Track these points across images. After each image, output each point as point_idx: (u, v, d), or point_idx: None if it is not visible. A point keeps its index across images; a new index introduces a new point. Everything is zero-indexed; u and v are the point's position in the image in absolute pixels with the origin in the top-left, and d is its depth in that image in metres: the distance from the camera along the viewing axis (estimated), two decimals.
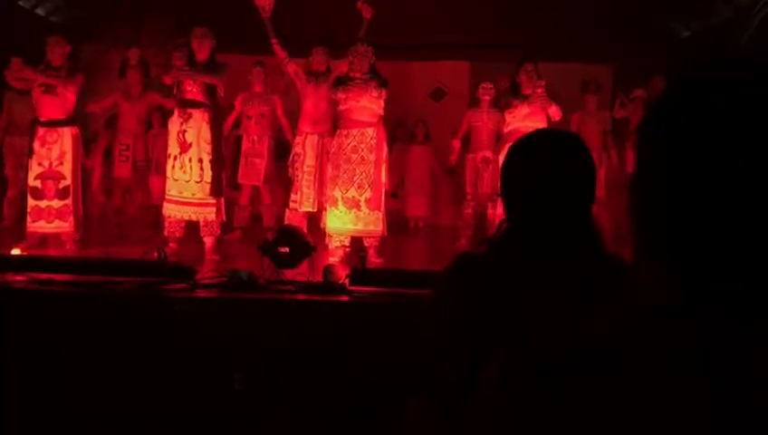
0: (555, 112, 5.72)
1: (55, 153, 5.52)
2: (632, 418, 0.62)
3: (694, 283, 0.70)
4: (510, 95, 5.99)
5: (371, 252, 5.37)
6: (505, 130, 5.98)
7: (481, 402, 0.71)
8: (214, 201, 5.33)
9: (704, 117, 0.74)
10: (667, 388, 0.62)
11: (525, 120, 5.71)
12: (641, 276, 0.80)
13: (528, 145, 1.64)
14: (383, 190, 5.53)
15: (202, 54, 5.32)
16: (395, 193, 8.23)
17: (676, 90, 0.80)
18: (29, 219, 5.52)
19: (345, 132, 5.45)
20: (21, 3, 8.71)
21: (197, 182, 5.30)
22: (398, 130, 8.38)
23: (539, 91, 5.68)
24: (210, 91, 5.32)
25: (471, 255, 1.59)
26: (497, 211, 5.91)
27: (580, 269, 1.46)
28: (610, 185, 6.47)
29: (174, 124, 5.37)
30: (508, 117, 5.88)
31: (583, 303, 1.41)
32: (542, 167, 1.58)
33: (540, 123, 5.74)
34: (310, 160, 5.94)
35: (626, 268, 1.57)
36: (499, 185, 1.68)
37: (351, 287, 3.78)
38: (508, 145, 5.51)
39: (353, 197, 5.40)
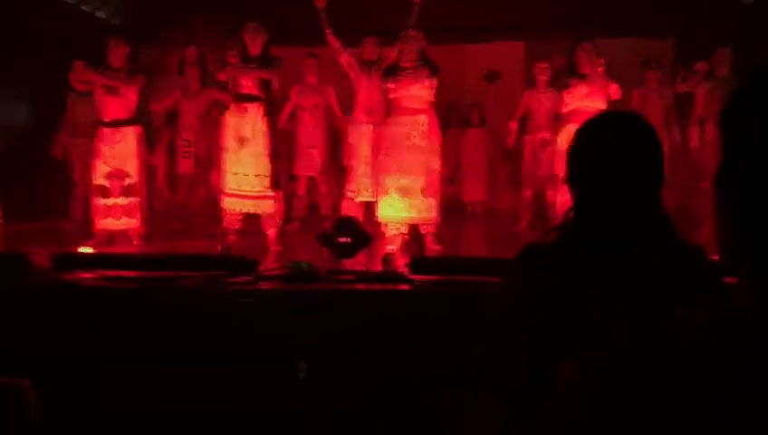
0: (615, 91, 5.58)
1: (120, 152, 5.68)
2: (724, 427, 0.59)
3: None
4: (567, 75, 5.85)
5: (429, 239, 5.35)
6: (564, 110, 5.85)
7: (554, 402, 0.69)
8: (272, 193, 5.38)
9: None
10: (761, 396, 0.59)
11: (584, 99, 5.58)
12: (737, 277, 0.75)
13: (593, 129, 1.60)
14: (437, 177, 5.48)
15: (255, 49, 5.37)
16: (451, 178, 8.18)
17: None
18: (96, 217, 5.70)
19: (396, 120, 5.43)
20: (83, 7, 8.96)
21: (256, 175, 5.37)
22: (452, 114, 8.32)
23: (599, 70, 5.54)
24: (265, 84, 5.37)
25: (539, 245, 1.56)
26: (557, 194, 5.81)
27: (654, 258, 1.41)
28: (673, 162, 6.26)
29: (230, 119, 5.45)
30: (567, 97, 5.75)
31: (663, 297, 1.37)
32: (609, 151, 1.54)
33: (599, 102, 5.60)
34: (365, 150, 5.95)
35: (699, 254, 1.52)
36: (557, 166, 1.64)
37: (411, 276, 3.76)
38: (567, 126, 5.49)
39: (407, 184, 5.38)
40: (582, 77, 5.64)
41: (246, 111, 5.37)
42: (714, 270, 1.44)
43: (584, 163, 1.56)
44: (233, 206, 5.42)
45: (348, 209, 5.99)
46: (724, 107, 0.78)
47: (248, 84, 5.38)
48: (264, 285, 3.76)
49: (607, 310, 1.27)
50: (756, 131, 0.70)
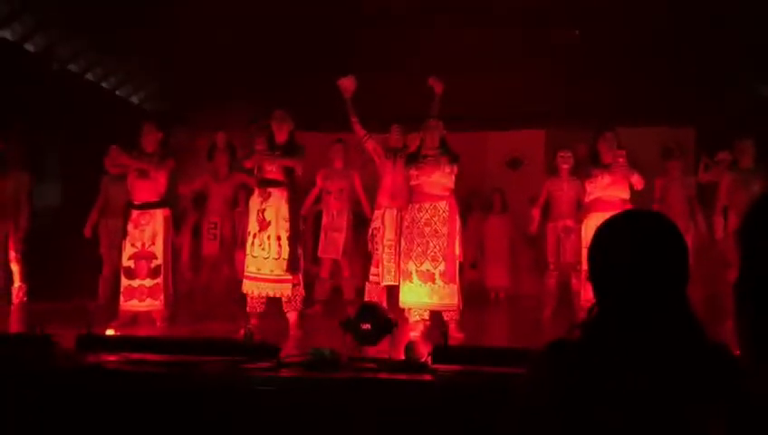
0: (638, 181, 5.61)
1: (148, 234, 5.78)
2: None
3: None
4: (590, 164, 5.92)
5: (452, 326, 5.31)
6: (587, 199, 5.89)
7: None
8: (290, 277, 5.41)
9: None
10: None
11: (607, 189, 5.62)
12: (757, 385, 0.75)
13: (615, 228, 1.60)
14: (457, 263, 5.51)
15: (281, 136, 5.52)
16: (474, 264, 8.18)
17: None
18: (122, 298, 5.76)
19: (418, 206, 5.51)
20: (117, 92, 9.34)
21: (275, 259, 5.41)
22: (474, 199, 8.40)
23: (620, 160, 5.60)
24: (289, 170, 5.49)
25: (564, 342, 1.55)
26: (581, 283, 5.77)
27: (680, 361, 1.40)
28: (699, 252, 6.22)
29: (254, 203, 5.55)
30: (589, 187, 5.79)
31: (688, 401, 1.35)
32: (632, 251, 1.54)
33: (622, 192, 5.64)
34: (389, 234, 6.01)
35: (727, 355, 1.50)
36: (581, 254, 1.65)
37: (434, 365, 3.72)
38: (591, 215, 5.50)
39: (428, 270, 5.40)
40: (605, 167, 5.70)
41: (270, 196, 5.47)
42: (737, 372, 1.42)
43: (606, 263, 1.57)
44: (251, 289, 5.45)
45: (371, 293, 5.99)
46: (741, 224, 0.81)
47: (273, 170, 5.51)
48: (285, 373, 3.74)
49: (629, 420, 1.26)
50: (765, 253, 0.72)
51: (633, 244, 1.54)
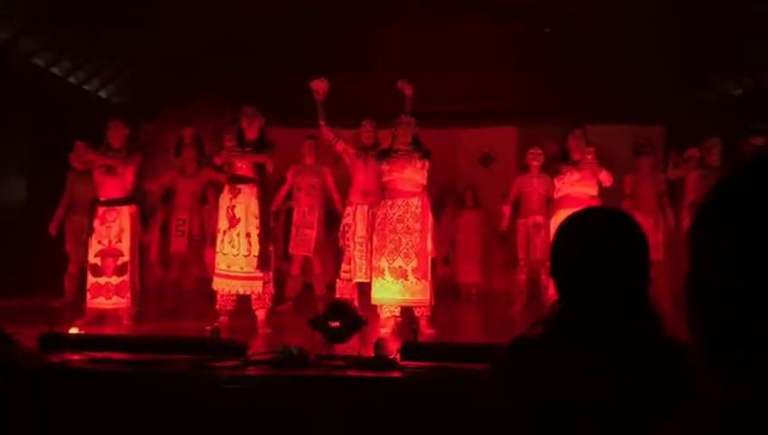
0: (606, 178, 5.66)
1: (114, 231, 5.68)
2: None
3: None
4: (559, 161, 5.95)
5: (423, 323, 5.31)
6: (556, 195, 5.93)
7: None
8: (261, 274, 5.36)
9: None
10: None
11: (576, 185, 5.66)
12: (708, 383, 0.75)
13: (576, 225, 1.60)
14: (429, 259, 5.50)
15: (251, 133, 5.46)
16: (446, 260, 8.19)
17: (732, 183, 0.76)
18: (88, 296, 5.66)
19: (390, 202, 5.50)
20: (85, 87, 9.18)
21: (245, 256, 5.35)
22: (446, 196, 8.40)
23: (588, 157, 5.65)
24: (259, 166, 5.42)
25: (526, 339, 1.55)
26: (550, 278, 5.79)
27: (638, 361, 1.40)
28: (668, 247, 6.30)
29: (224, 200, 5.48)
30: (558, 183, 5.83)
31: (645, 399, 1.35)
32: (592, 248, 1.54)
33: (591, 189, 5.68)
34: (361, 231, 5.98)
35: (683, 353, 1.50)
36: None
37: (403, 362, 3.71)
38: (559, 211, 5.53)
39: (400, 266, 5.39)
40: (574, 164, 5.74)
41: (240, 192, 5.41)
42: (693, 370, 1.42)
43: (567, 259, 1.56)
44: (222, 286, 5.39)
45: (342, 290, 5.96)
46: (691, 222, 0.80)
47: (243, 167, 5.44)
48: (252, 370, 3.70)
49: (587, 415, 1.25)
50: (716, 248, 0.71)
51: (593, 240, 1.54)
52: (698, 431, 0.66)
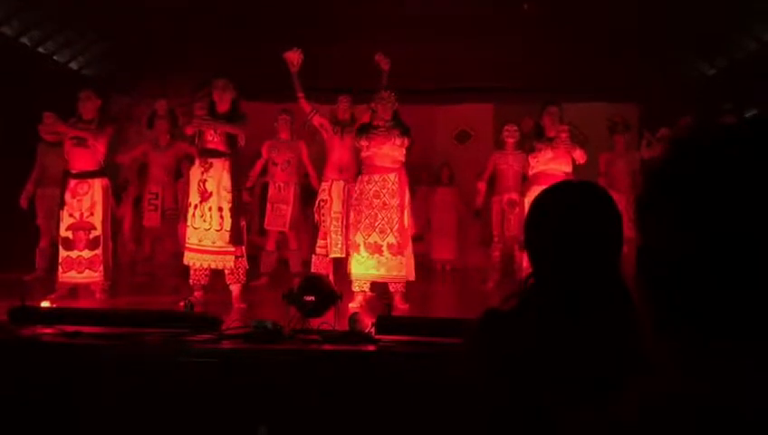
0: (580, 156, 5.70)
1: (86, 204, 5.61)
2: None
3: (718, 363, 0.67)
4: (534, 138, 5.98)
5: (397, 298, 5.34)
6: (530, 173, 5.96)
7: None
8: (233, 249, 5.33)
9: (717, 178, 0.71)
10: None
11: (550, 163, 5.70)
12: (657, 356, 0.77)
13: (550, 199, 1.61)
14: (407, 235, 5.51)
15: (223, 105, 5.39)
16: (421, 236, 8.22)
17: (679, 155, 0.77)
18: (60, 270, 5.60)
19: (367, 178, 5.48)
20: (55, 57, 8.98)
21: (217, 230, 5.31)
22: (422, 172, 8.41)
23: (563, 136, 5.68)
24: (231, 140, 5.36)
25: (498, 313, 1.56)
26: (524, 255, 5.84)
27: (609, 334, 1.42)
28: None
29: (195, 173, 5.41)
30: (532, 161, 5.86)
31: (614, 376, 1.37)
32: (564, 220, 1.55)
33: (565, 166, 5.72)
34: (336, 206, 5.97)
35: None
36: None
37: (378, 336, 3.73)
38: (533, 188, 5.57)
39: (375, 242, 5.39)
40: (548, 141, 5.77)
41: (211, 166, 5.35)
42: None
43: (540, 232, 1.57)
44: (193, 261, 5.35)
45: (318, 266, 5.96)
46: (637, 199, 0.82)
47: (214, 139, 5.37)
48: (227, 344, 3.70)
49: (556, 393, 1.27)
50: (660, 224, 0.73)
51: (565, 212, 1.55)
52: (645, 400, 0.69)
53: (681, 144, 0.77)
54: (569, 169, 5.73)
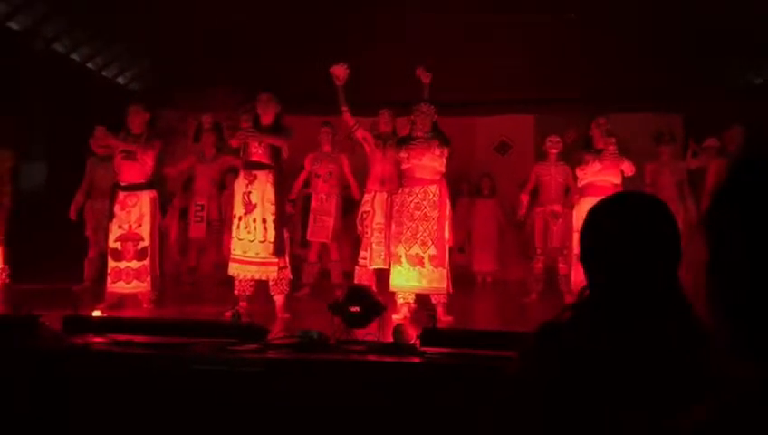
0: (628, 168, 5.66)
1: (134, 216, 5.74)
2: None
3: None
4: (581, 149, 5.94)
5: (440, 310, 5.32)
6: (579, 184, 5.93)
7: None
8: (276, 260, 5.38)
9: None
10: None
11: (599, 174, 5.68)
12: (733, 368, 0.76)
13: (606, 208, 1.60)
14: (447, 247, 5.50)
15: (267, 118, 5.47)
16: (461, 248, 8.18)
17: (748, 167, 0.77)
18: (109, 280, 5.72)
19: (408, 190, 5.50)
20: (104, 73, 9.23)
21: (261, 242, 5.38)
22: (462, 184, 8.39)
23: (611, 148, 5.65)
24: (275, 153, 5.44)
25: (554, 324, 1.55)
26: (570, 267, 5.80)
27: (669, 346, 1.40)
28: (688, 236, 6.25)
29: (239, 185, 5.50)
30: (580, 173, 5.83)
31: (676, 387, 1.35)
32: (623, 232, 1.54)
33: (614, 178, 5.68)
34: (379, 218, 6.00)
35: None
36: (568, 239, 1.65)
37: (422, 348, 3.73)
38: (583, 199, 5.52)
39: (417, 254, 5.40)
40: (597, 153, 5.74)
41: (255, 178, 5.43)
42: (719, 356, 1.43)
43: (597, 242, 1.56)
44: (238, 271, 5.42)
45: (360, 277, 5.99)
46: (706, 211, 0.81)
47: (258, 152, 5.45)
48: (273, 354, 3.74)
49: (617, 408, 1.26)
50: (732, 238, 0.72)
51: (624, 222, 1.54)
52: (724, 415, 0.67)
53: (744, 162, 0.76)
54: (618, 180, 5.68)
